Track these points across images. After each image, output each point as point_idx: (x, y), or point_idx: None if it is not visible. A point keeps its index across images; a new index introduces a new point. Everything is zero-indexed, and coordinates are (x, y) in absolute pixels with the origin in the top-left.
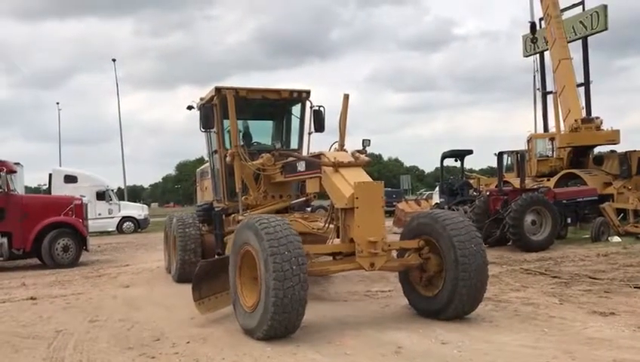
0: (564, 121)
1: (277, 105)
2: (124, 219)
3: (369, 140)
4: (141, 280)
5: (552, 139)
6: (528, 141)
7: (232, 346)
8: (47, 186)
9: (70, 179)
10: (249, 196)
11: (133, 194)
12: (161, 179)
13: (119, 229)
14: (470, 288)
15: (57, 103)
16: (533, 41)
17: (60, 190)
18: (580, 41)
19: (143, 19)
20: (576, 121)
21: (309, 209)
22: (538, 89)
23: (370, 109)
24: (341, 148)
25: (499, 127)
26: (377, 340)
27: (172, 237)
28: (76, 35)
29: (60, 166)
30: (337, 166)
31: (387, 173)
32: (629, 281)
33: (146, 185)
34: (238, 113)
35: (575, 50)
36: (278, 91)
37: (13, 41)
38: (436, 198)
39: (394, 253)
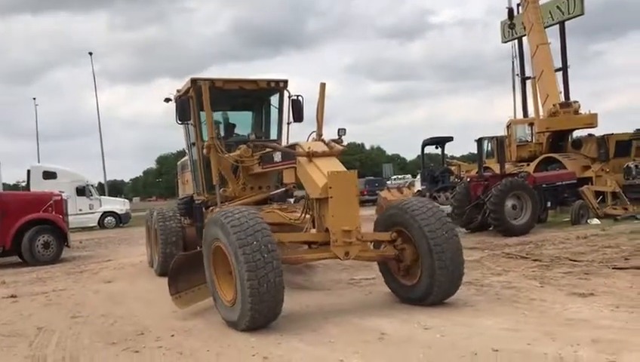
0: (542, 105)
1: (255, 96)
2: (106, 214)
3: (344, 129)
4: (123, 275)
5: (531, 124)
6: (508, 127)
7: (216, 338)
8: (26, 183)
9: (49, 175)
10: (227, 188)
11: (115, 188)
12: (142, 173)
13: (101, 224)
14: (448, 275)
15: (34, 99)
16: (511, 27)
17: (39, 186)
18: (557, 26)
19: (116, 13)
20: (554, 105)
21: (291, 200)
22: (517, 75)
23: (351, 99)
24: (319, 137)
25: (480, 114)
26: (361, 327)
27: (153, 231)
28: (50, 30)
29: (39, 162)
30: (311, 156)
31: (369, 162)
32: (607, 262)
33: (127, 180)
34: (216, 104)
35: (552, 35)
36: (255, 81)
37: None
38: (418, 186)
39: (371, 244)
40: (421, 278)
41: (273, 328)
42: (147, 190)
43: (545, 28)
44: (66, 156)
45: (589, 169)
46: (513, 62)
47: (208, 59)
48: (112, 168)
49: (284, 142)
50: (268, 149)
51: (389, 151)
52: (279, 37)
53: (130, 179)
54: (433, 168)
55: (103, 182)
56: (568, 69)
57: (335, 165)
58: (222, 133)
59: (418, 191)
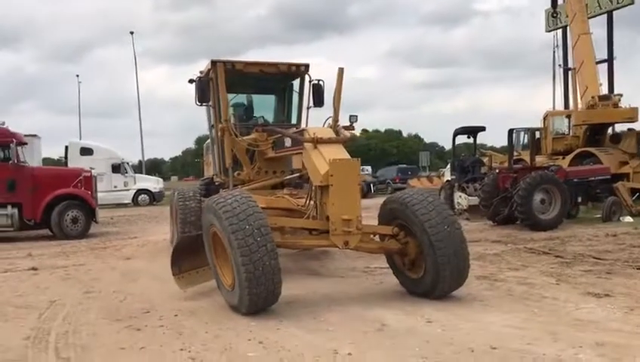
0: (581, 98)
1: (276, 80)
2: (140, 191)
3: (356, 116)
4: (144, 252)
5: (568, 116)
6: (544, 118)
7: (218, 321)
8: (64, 158)
9: (86, 151)
10: (242, 172)
11: (154, 167)
12: (180, 153)
13: (135, 202)
14: (452, 270)
15: (77, 76)
16: (554, 15)
17: (77, 162)
18: (605, 15)
19: None
20: (592, 98)
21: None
22: (559, 65)
23: (390, 85)
24: (335, 123)
25: (521, 104)
26: (362, 317)
27: (174, 210)
28: (97, 10)
29: (80, 139)
30: (316, 142)
31: (407, 150)
32: (633, 262)
33: (167, 159)
34: (237, 87)
35: (600, 25)
36: (276, 65)
37: (37, 16)
38: (448, 175)
39: (375, 236)
40: (426, 273)
41: (275, 313)
42: (185, 169)
43: (592, 17)
44: (109, 134)
45: (627, 165)
46: (554, 52)
47: (250, 42)
48: (152, 147)
49: (303, 127)
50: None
51: (428, 139)
52: (321, 21)
53: (170, 158)
54: (464, 158)
55: (140, 160)
56: (614, 61)
57: (339, 153)
58: (244, 117)
59: (447, 181)
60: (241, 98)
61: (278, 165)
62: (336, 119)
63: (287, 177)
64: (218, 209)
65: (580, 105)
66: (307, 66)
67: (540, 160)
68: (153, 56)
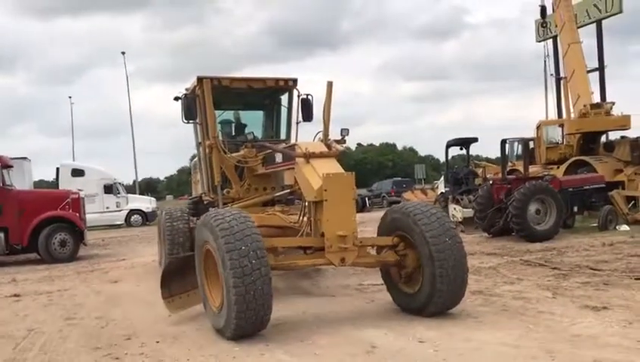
0: (573, 106)
1: (264, 95)
2: (132, 212)
3: (347, 130)
4: (131, 275)
5: (561, 125)
6: (537, 128)
7: (201, 346)
8: (55, 180)
9: (78, 172)
10: (231, 189)
11: (149, 186)
12: (176, 171)
13: (128, 222)
14: (449, 284)
15: (70, 97)
16: (544, 25)
17: (68, 184)
18: (595, 25)
19: (154, 14)
20: (584, 106)
21: (298, 201)
22: (551, 74)
23: (383, 99)
24: (325, 137)
25: (515, 115)
26: (352, 338)
27: (162, 231)
28: (90, 32)
29: (73, 160)
30: (308, 157)
31: (401, 163)
32: (630, 272)
33: (162, 178)
34: (224, 103)
35: (590, 34)
36: (263, 80)
37: (30, 38)
38: (442, 188)
39: (372, 249)
40: (422, 286)
41: (261, 336)
42: (181, 188)
43: (581, 27)
44: (104, 154)
45: (622, 173)
46: (545, 62)
47: (243, 60)
48: (147, 166)
49: (294, 142)
50: (267, 150)
51: (422, 152)
52: (313, 38)
53: (165, 177)
54: (457, 170)
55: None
56: (605, 69)
57: (332, 167)
58: (233, 133)
59: (441, 193)
60: (229, 115)
61: (268, 182)
62: (326, 133)
63: (278, 194)
64: (215, 226)
65: (572, 114)
66: (295, 81)
67: (534, 170)
68: (147, 75)
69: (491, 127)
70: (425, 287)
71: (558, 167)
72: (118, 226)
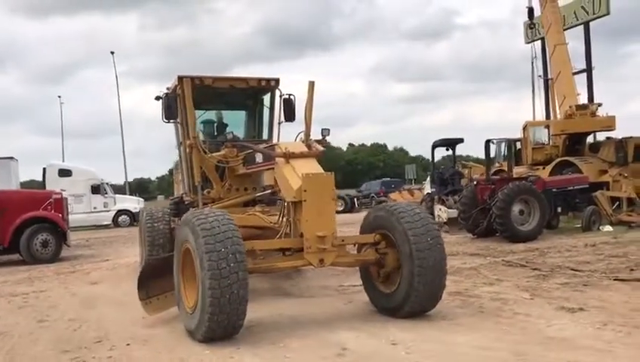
0: (559, 107)
1: (246, 95)
2: (120, 212)
3: (328, 129)
4: (112, 276)
5: (547, 126)
6: (524, 129)
7: (171, 349)
8: (42, 180)
9: (64, 173)
10: (212, 190)
11: (141, 187)
12: (167, 172)
13: (115, 223)
14: (427, 284)
15: (59, 97)
16: (532, 27)
17: (55, 184)
18: (582, 26)
19: (147, 14)
20: (570, 107)
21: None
22: (539, 76)
23: (375, 100)
24: (307, 137)
25: (506, 116)
26: (324, 341)
27: (142, 232)
28: (82, 31)
29: (63, 160)
30: (288, 157)
31: (392, 163)
32: (610, 273)
33: (153, 178)
34: (206, 103)
35: (578, 36)
36: (245, 80)
37: (22, 37)
38: (428, 188)
39: (353, 248)
40: (399, 285)
41: (233, 339)
42: (172, 189)
43: (569, 28)
44: (95, 154)
45: (606, 173)
46: (532, 63)
47: (234, 60)
48: (139, 166)
49: (274, 142)
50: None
51: (413, 153)
52: (304, 38)
53: (157, 178)
54: (443, 170)
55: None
56: (593, 71)
57: (312, 167)
58: (214, 133)
59: (427, 193)
60: (211, 114)
61: (249, 182)
62: (308, 133)
63: (260, 194)
64: (197, 225)
65: (558, 115)
66: (277, 81)
67: (520, 170)
68: (139, 75)
69: (482, 127)
70: (402, 286)
71: (544, 168)
72: (106, 226)
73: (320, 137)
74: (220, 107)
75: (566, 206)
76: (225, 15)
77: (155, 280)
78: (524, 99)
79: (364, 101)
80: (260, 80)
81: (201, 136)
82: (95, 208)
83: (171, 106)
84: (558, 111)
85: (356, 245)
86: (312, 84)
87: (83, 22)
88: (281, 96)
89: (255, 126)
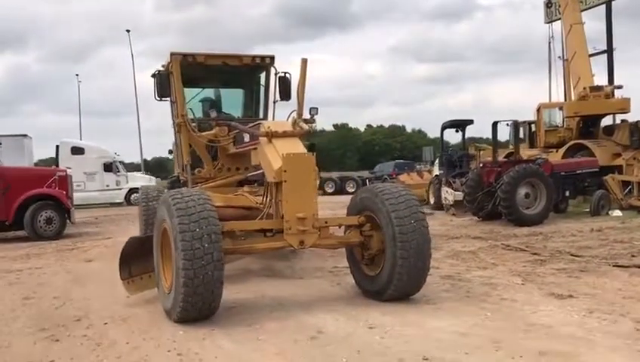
0: (574, 89)
1: (240, 73)
2: (132, 190)
3: (317, 108)
4: (109, 254)
5: (561, 108)
6: (537, 110)
7: (145, 329)
8: (55, 158)
9: (77, 150)
10: (202, 169)
11: (160, 165)
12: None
13: (127, 200)
14: (410, 268)
15: (77, 75)
16: (549, 5)
17: (68, 162)
18: (605, 6)
19: None
20: (584, 89)
21: None
22: (559, 57)
23: (394, 80)
24: (299, 117)
25: (527, 97)
26: (300, 323)
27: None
28: (101, 10)
29: (81, 139)
30: (271, 136)
31: (410, 145)
32: (611, 259)
33: (171, 157)
34: (198, 80)
35: (600, 16)
36: (239, 57)
37: (42, 16)
38: (437, 170)
39: (337, 230)
40: (383, 268)
41: (209, 320)
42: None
43: (590, 8)
44: (113, 133)
45: (620, 157)
46: (550, 44)
47: (252, 41)
48: (159, 145)
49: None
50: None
51: (432, 135)
52: (323, 18)
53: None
54: (451, 152)
55: (144, 159)
56: (614, 52)
57: (294, 147)
58: (213, 112)
59: (436, 175)
60: (209, 92)
61: (241, 162)
62: (300, 112)
63: (252, 173)
64: (172, 205)
65: (573, 97)
66: (272, 58)
67: (531, 153)
68: (157, 55)
69: (502, 109)
70: (385, 269)
71: (557, 151)
72: (119, 204)
73: (308, 116)
74: (214, 85)
75: (575, 190)
76: None
77: (138, 259)
78: (545, 80)
79: (383, 82)
80: (254, 57)
81: (199, 115)
82: (107, 186)
83: (164, 84)
84: (572, 93)
85: (341, 226)
86: (304, 62)
87: (102, 1)
88: (276, 74)
89: (252, 105)
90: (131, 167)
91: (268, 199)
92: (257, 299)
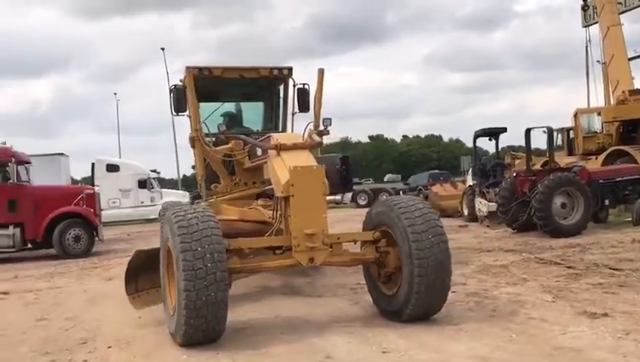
0: (612, 93)
1: (259, 85)
2: None
3: (330, 119)
4: None
5: (600, 113)
6: (575, 116)
7: (149, 353)
8: (91, 176)
9: (112, 168)
10: (219, 184)
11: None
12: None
13: (161, 217)
14: (428, 286)
15: (115, 94)
16: (585, 8)
17: (103, 179)
18: None
19: (201, 12)
20: (623, 92)
21: None
22: (598, 61)
23: (430, 90)
24: (316, 128)
25: (568, 103)
26: (310, 347)
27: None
28: (138, 31)
29: (120, 157)
30: (279, 149)
31: (448, 155)
32: None
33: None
34: (218, 95)
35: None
36: (256, 69)
37: (84, 38)
38: (470, 181)
39: (353, 246)
40: (400, 288)
41: (214, 343)
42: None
43: (629, 10)
44: (151, 150)
45: None
46: (587, 47)
47: (287, 55)
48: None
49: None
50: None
51: (470, 144)
52: (356, 30)
53: None
54: (485, 161)
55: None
56: None
57: (304, 159)
58: (231, 126)
59: (469, 186)
60: (230, 107)
61: (257, 175)
62: (317, 124)
63: (269, 187)
64: (174, 223)
65: (612, 101)
66: (290, 70)
67: (569, 160)
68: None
69: (542, 116)
70: (402, 288)
71: (597, 158)
72: (153, 220)
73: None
74: (233, 99)
75: (614, 198)
76: (279, 10)
77: (145, 272)
78: (584, 86)
79: (419, 92)
80: (271, 69)
81: (222, 129)
82: (142, 202)
83: (180, 99)
84: (611, 97)
85: (357, 243)
86: (321, 72)
87: (139, 21)
88: (294, 86)
89: (272, 118)
90: (171, 183)
91: (278, 214)
92: (269, 320)
